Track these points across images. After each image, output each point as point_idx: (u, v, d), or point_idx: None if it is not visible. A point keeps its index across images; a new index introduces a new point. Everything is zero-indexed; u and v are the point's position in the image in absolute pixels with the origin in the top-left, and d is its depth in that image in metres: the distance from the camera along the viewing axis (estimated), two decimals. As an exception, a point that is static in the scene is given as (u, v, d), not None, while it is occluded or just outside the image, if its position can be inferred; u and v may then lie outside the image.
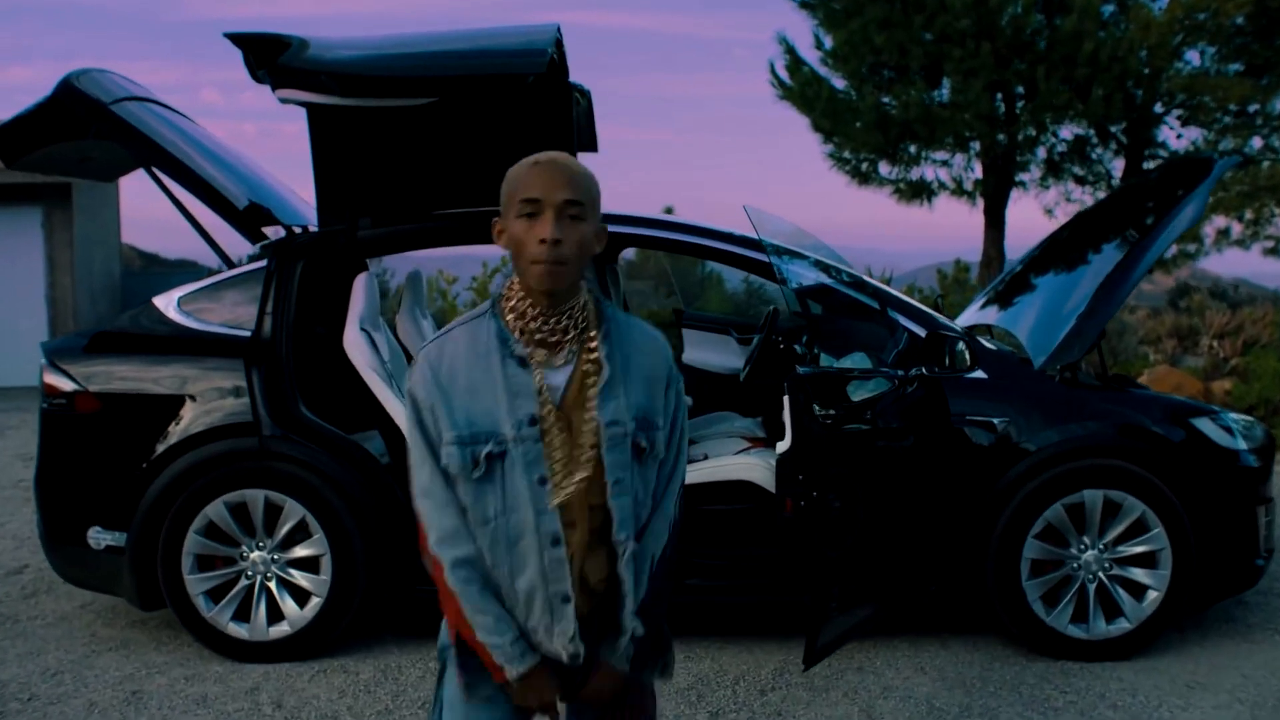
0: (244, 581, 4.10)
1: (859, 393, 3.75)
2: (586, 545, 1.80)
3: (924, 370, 3.95)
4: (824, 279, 4.14)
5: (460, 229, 4.52)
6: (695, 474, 4.21)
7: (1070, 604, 4.11)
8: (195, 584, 4.07)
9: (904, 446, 3.85)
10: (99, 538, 4.10)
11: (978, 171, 14.41)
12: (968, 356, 3.99)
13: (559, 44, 3.84)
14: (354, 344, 4.21)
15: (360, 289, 4.35)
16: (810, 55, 14.47)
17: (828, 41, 13.87)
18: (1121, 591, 4.13)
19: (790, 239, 4.11)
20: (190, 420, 4.08)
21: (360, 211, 4.47)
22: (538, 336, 1.79)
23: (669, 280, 16.28)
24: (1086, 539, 4.12)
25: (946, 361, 4.01)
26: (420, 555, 1.82)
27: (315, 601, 4.07)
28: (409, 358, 4.95)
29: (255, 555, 4.10)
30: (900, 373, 3.94)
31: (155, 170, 4.35)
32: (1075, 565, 4.13)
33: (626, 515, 1.79)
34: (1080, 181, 15.35)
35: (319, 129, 4.16)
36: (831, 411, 3.44)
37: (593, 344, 1.81)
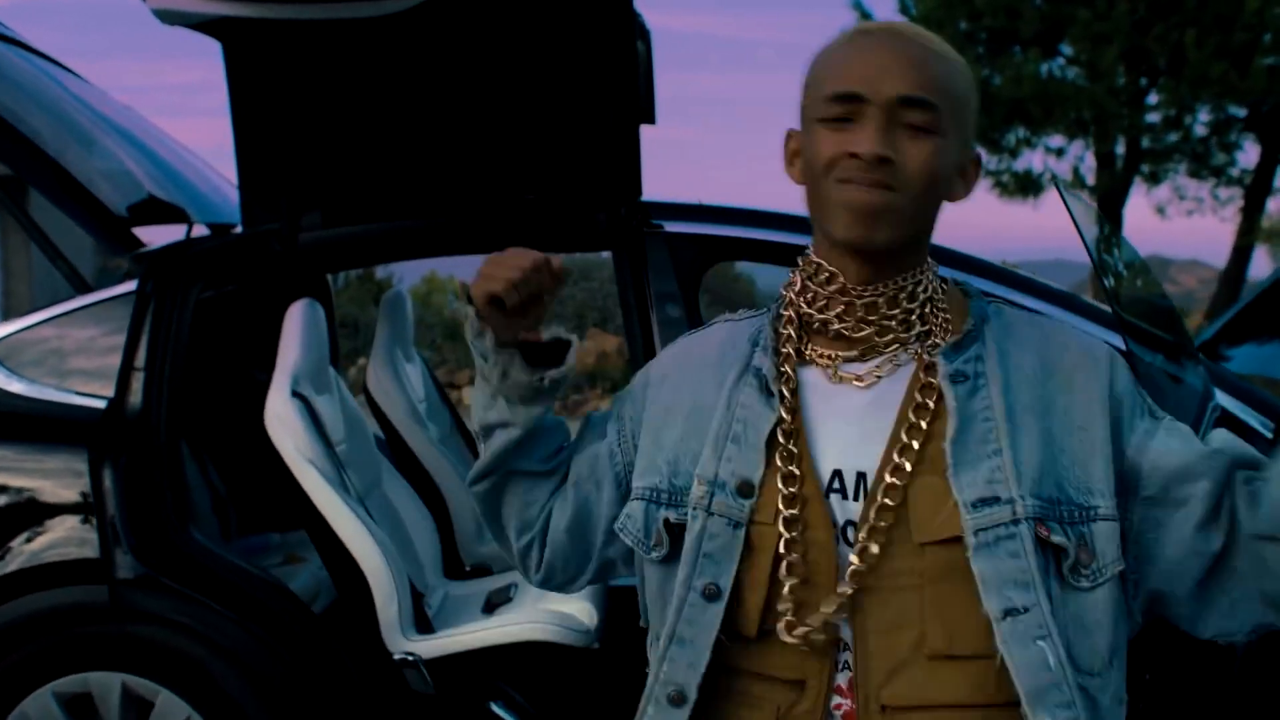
0: (89, 823, 2.65)
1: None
2: None
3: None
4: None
5: (463, 229, 3.10)
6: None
7: None
8: (8, 826, 2.62)
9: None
10: None
11: (1090, 160, 12.93)
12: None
13: None
14: (280, 417, 2.76)
15: (295, 327, 2.91)
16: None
17: (915, 6, 12.39)
18: None
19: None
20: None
21: (303, 202, 3.04)
22: (835, 328, 1.17)
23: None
24: None
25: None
26: None
27: None
28: (386, 425, 3.52)
29: (107, 780, 2.64)
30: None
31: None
32: None
33: (1045, 683, 1.05)
34: (1195, 176, 13.84)
35: (238, 71, 2.82)
36: None
37: (936, 349, 1.15)
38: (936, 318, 1.18)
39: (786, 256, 3.18)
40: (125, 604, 2.61)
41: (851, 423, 1.15)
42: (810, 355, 1.19)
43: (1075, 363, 1.16)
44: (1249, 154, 13.70)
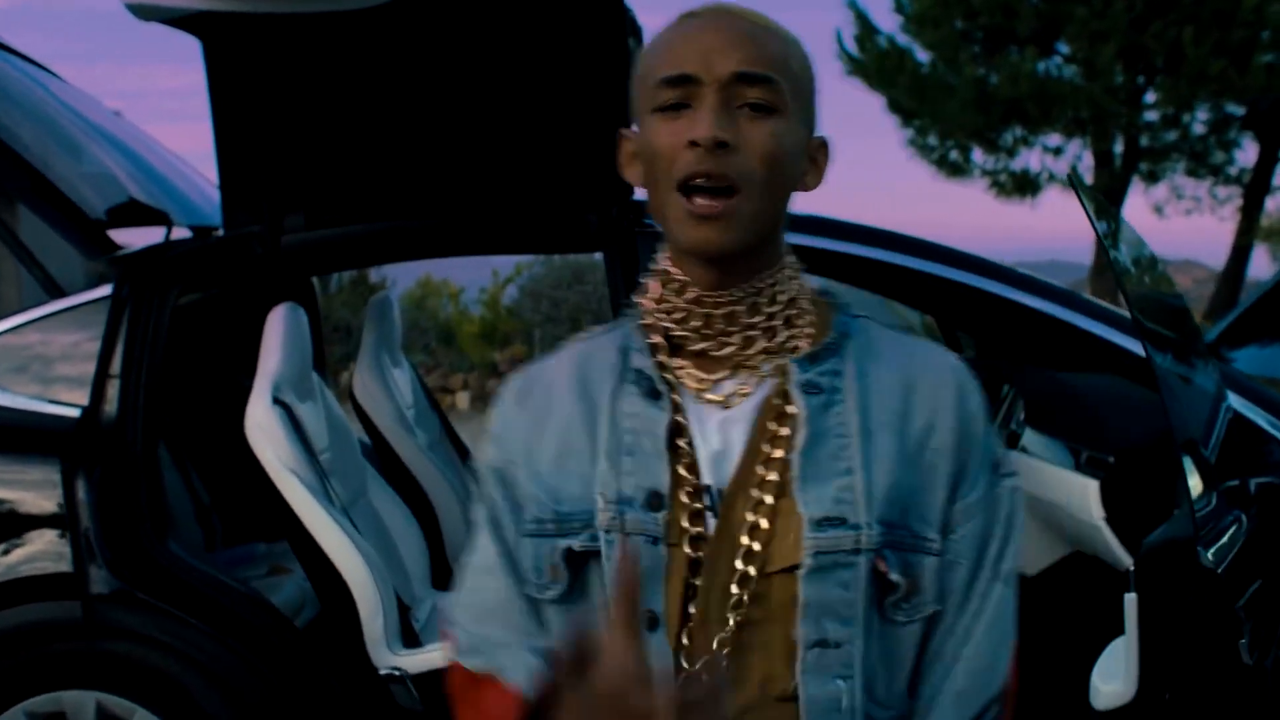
0: None
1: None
2: None
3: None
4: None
5: (451, 231, 3.04)
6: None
7: None
8: None
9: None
10: None
11: (1087, 159, 12.87)
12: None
13: None
14: (260, 425, 2.69)
15: (276, 332, 2.84)
16: (885, 23, 13.05)
17: (909, 4, 12.34)
18: None
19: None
20: (-35, 569, 2.55)
21: (286, 203, 2.97)
22: (696, 346, 1.08)
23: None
24: None
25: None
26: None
27: None
28: (372, 432, 3.45)
29: (82, 803, 2.59)
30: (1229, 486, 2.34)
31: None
32: None
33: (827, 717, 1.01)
34: (1193, 175, 13.80)
35: (217, 69, 2.72)
36: None
37: (799, 361, 1.07)
38: (801, 321, 1.09)
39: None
40: (100, 620, 2.54)
41: (716, 437, 1.07)
42: (678, 374, 1.09)
43: (939, 382, 1.08)
44: (1248, 152, 13.67)
